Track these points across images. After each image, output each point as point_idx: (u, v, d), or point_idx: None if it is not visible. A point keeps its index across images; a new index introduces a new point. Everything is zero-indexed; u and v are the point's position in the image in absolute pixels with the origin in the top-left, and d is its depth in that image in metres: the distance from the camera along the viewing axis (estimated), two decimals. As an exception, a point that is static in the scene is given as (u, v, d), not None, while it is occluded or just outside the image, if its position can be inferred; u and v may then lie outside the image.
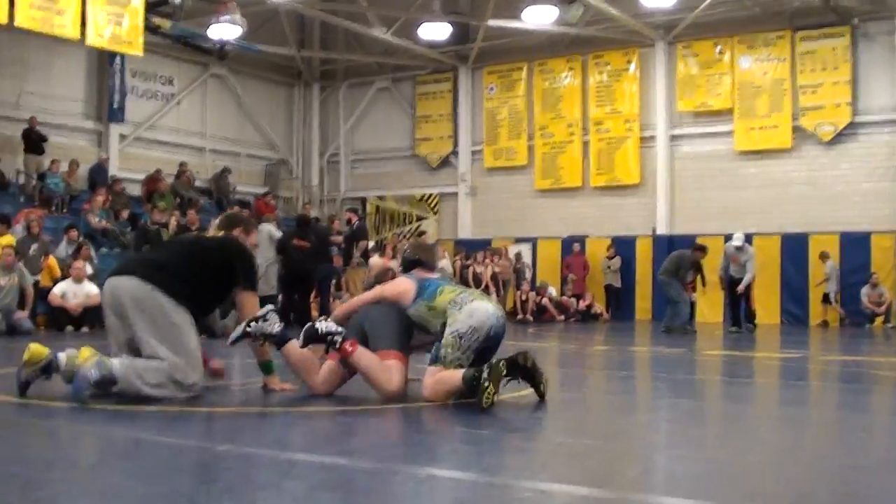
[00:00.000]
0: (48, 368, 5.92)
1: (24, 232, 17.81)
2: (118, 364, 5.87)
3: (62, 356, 5.90)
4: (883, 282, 21.32)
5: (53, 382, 5.95)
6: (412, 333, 6.42)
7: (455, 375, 5.90)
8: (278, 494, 3.36)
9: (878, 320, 21.15)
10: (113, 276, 6.36)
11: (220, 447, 4.38)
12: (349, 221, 19.91)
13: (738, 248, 17.86)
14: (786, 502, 3.54)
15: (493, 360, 5.86)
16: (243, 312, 6.46)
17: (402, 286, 6.54)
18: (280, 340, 6.35)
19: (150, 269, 6.31)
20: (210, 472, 3.86)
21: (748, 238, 18.25)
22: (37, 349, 5.93)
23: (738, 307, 18.04)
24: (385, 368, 6.11)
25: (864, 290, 21.23)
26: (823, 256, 21.77)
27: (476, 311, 6.11)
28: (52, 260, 17.29)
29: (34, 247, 17.32)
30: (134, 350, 6.12)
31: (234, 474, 3.77)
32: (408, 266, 6.88)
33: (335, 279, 19.03)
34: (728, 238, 18.60)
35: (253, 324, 6.28)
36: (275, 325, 6.33)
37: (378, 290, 6.66)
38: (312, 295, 17.83)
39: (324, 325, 6.23)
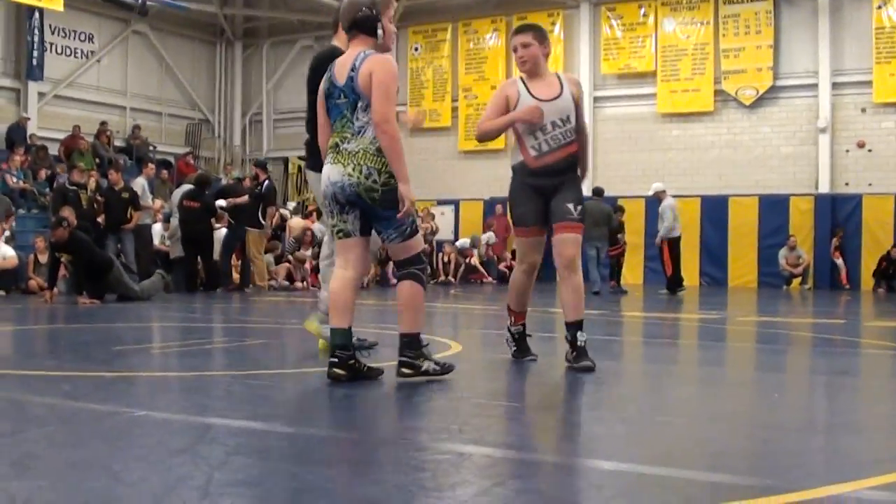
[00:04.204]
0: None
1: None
2: None
3: None
4: (801, 244, 21.69)
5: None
6: None
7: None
8: (193, 459, 3.33)
9: (796, 282, 21.54)
10: None
11: (137, 412, 4.33)
12: (256, 177, 18.18)
13: (655, 196, 18.15)
14: (701, 462, 3.60)
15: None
16: None
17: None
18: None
19: None
20: (127, 438, 3.82)
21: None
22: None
23: (672, 267, 18.11)
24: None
25: (782, 253, 21.58)
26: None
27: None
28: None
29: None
30: None
31: (151, 440, 3.73)
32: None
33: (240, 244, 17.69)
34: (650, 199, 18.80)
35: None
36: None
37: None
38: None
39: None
